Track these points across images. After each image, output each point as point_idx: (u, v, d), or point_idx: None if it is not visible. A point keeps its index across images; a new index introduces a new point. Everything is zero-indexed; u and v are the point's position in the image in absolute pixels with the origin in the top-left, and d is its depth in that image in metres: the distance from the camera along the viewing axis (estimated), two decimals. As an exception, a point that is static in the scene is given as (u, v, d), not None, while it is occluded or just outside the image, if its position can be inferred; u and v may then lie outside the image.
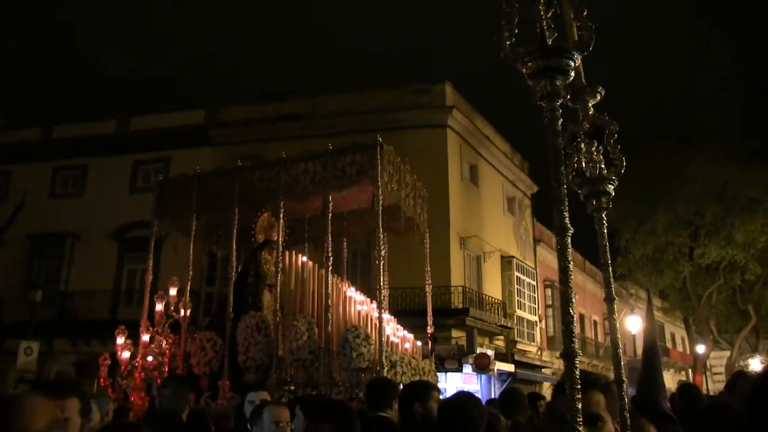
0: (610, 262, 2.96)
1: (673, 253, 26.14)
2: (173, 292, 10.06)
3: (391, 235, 11.23)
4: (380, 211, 9.19)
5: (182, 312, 9.93)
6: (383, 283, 9.29)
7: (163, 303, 9.94)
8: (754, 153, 24.32)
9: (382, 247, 9.34)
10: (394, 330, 9.78)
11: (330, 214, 9.41)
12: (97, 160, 24.46)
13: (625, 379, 2.86)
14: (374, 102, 23.38)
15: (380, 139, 9.64)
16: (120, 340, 9.97)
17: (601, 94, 3.06)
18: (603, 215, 3.05)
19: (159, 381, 9.39)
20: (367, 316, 9.73)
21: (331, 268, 9.23)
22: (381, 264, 9.18)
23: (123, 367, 9.83)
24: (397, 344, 9.63)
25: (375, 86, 24.74)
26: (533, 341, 26.61)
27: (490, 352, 22.13)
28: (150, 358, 9.71)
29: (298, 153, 10.15)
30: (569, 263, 2.23)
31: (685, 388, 5.94)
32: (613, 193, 3.02)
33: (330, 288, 9.13)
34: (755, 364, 23.49)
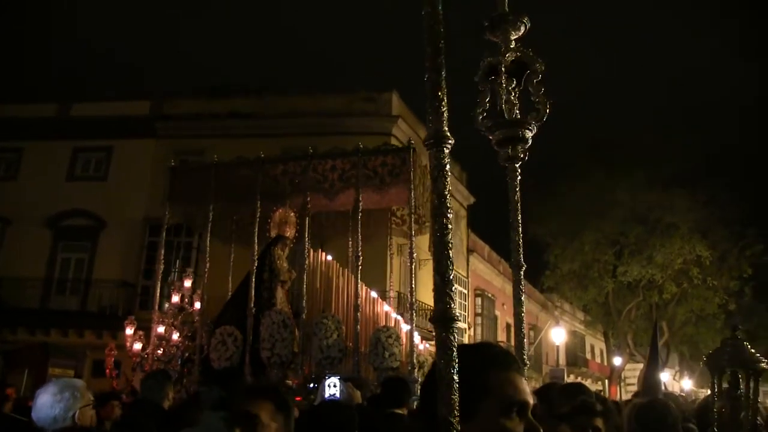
0: (520, 221, 2.65)
1: (598, 270, 27.34)
2: (188, 284, 9.80)
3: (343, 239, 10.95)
4: (411, 215, 9.36)
5: (196, 305, 9.68)
6: (413, 286, 9.42)
7: (179, 295, 9.65)
8: (673, 179, 26.35)
9: (413, 249, 9.46)
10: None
11: (360, 213, 9.46)
12: (33, 144, 23.16)
13: (527, 362, 2.55)
14: (323, 106, 23.36)
15: (413, 142, 9.80)
16: (129, 331, 9.58)
17: (526, 25, 2.62)
18: (516, 166, 2.72)
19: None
20: (391, 317, 9.83)
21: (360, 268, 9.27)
22: (413, 267, 9.31)
23: (134, 359, 9.47)
24: (418, 345, 9.76)
25: (325, 90, 24.72)
26: (462, 347, 27.15)
27: (422, 358, 22.46)
28: (160, 351, 9.41)
29: (326, 149, 10.15)
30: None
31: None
32: (531, 141, 2.68)
33: (359, 288, 9.20)
34: (664, 377, 24.92)
